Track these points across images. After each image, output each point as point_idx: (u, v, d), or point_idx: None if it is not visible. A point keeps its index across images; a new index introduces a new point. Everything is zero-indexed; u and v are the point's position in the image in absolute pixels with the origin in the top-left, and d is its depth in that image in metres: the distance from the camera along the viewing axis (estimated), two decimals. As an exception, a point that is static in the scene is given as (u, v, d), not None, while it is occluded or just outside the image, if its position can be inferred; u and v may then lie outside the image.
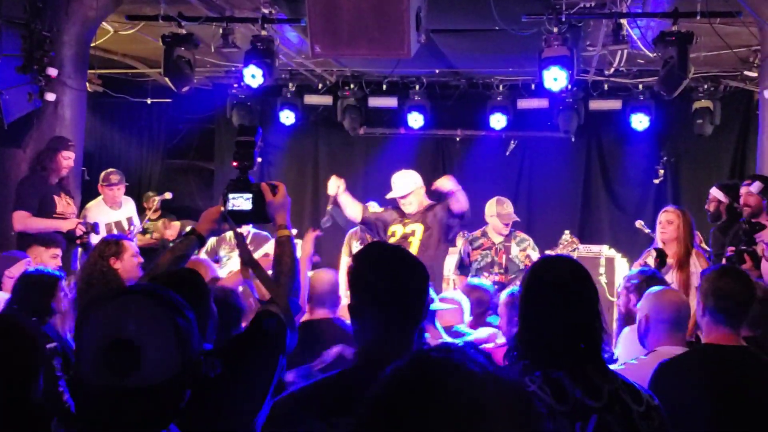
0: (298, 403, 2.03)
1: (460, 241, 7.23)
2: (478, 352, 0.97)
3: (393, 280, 2.02)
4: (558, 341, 2.14)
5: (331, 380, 2.07)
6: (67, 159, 6.08)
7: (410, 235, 5.85)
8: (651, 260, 5.30)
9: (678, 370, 2.83)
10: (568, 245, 7.28)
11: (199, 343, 1.62)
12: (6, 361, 2.14)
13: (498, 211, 6.76)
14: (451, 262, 7.05)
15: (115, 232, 6.75)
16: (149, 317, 1.51)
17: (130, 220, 7.24)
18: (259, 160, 10.45)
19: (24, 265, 4.68)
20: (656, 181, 9.57)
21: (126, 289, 1.61)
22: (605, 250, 8.58)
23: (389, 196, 6.09)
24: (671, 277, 5.27)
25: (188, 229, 2.63)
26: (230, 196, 2.45)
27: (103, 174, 7.16)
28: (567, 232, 9.10)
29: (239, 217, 2.47)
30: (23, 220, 5.78)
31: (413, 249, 5.64)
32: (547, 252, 8.44)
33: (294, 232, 2.64)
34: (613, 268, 8.09)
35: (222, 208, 2.48)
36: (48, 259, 5.45)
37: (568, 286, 2.20)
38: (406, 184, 5.98)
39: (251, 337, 2.28)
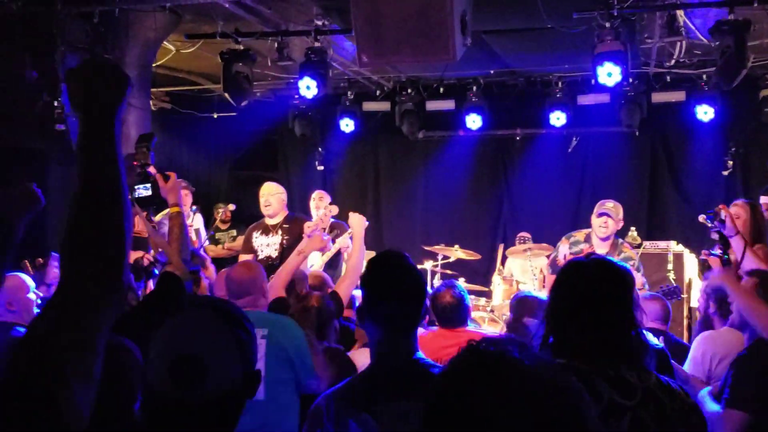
0: (338, 400, 2.22)
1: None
2: (524, 347, 1.03)
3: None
4: (589, 341, 2.15)
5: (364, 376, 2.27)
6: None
7: None
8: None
9: None
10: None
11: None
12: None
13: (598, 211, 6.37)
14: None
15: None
16: (213, 332, 1.54)
17: (197, 233, 7.46)
18: (321, 168, 10.32)
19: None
20: (725, 173, 9.29)
21: (192, 302, 1.66)
22: (673, 246, 8.37)
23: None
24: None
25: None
26: (135, 187, 3.09)
27: None
28: (633, 229, 8.90)
29: (143, 202, 3.14)
30: None
31: None
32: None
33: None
34: (682, 264, 7.90)
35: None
36: None
37: (598, 288, 2.21)
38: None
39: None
